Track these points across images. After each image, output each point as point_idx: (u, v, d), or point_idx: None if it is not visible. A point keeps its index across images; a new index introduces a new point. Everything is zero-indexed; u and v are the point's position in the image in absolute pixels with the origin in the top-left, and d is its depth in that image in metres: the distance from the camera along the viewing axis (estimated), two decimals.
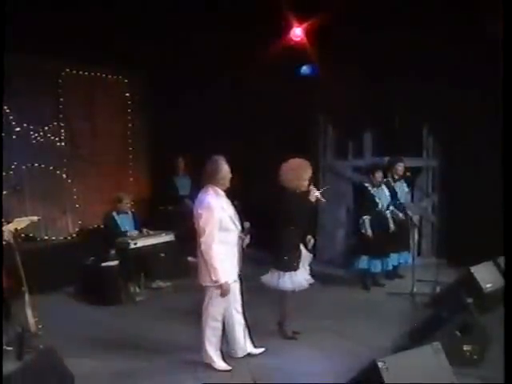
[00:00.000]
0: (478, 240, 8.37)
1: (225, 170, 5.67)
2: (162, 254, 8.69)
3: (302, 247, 6.42)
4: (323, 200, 6.47)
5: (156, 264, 8.61)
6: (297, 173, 6.32)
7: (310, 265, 6.56)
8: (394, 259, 8.83)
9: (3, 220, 6.12)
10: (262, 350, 6.04)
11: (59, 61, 9.82)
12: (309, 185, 6.37)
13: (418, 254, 9.30)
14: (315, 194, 6.33)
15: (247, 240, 5.79)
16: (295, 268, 6.32)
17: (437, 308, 6.46)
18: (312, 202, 6.36)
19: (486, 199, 8.58)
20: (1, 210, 6.04)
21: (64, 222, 9.99)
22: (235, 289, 5.77)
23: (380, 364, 4.02)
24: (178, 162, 10.58)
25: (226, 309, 5.77)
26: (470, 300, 5.77)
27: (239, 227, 5.73)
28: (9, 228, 5.84)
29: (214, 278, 5.48)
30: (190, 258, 9.00)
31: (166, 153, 10.64)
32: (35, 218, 6.25)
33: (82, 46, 9.17)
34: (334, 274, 9.17)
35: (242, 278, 5.85)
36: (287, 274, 6.30)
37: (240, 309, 5.87)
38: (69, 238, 10.01)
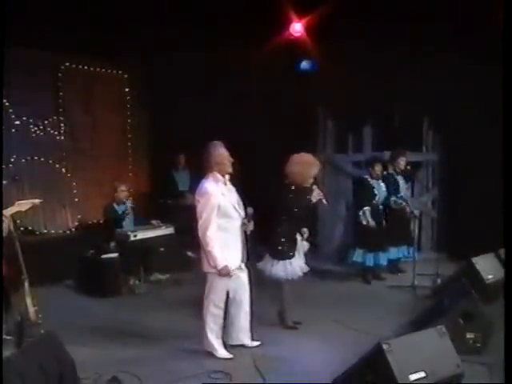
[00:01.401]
0: (479, 234, 8.37)
1: (220, 154, 5.62)
2: (162, 248, 8.68)
3: (298, 236, 6.41)
4: (325, 202, 6.45)
5: (155, 257, 8.59)
6: (303, 167, 6.30)
7: (305, 253, 6.54)
8: (392, 253, 8.81)
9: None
10: (257, 343, 5.96)
11: (59, 55, 9.80)
12: (313, 183, 6.36)
13: (419, 249, 9.27)
14: (318, 194, 6.31)
15: (251, 226, 5.75)
16: (290, 257, 6.31)
17: (439, 297, 6.44)
18: (312, 202, 6.33)
19: (486, 193, 8.59)
20: (1, 200, 5.96)
21: (63, 215, 9.96)
22: (242, 277, 5.76)
23: (385, 346, 3.98)
24: (177, 157, 10.54)
25: (233, 297, 5.75)
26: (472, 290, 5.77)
27: (242, 214, 5.70)
28: (10, 210, 5.79)
29: (211, 263, 5.46)
30: (189, 253, 9.00)
31: (165, 147, 10.61)
32: (37, 201, 6.15)
33: (82, 40, 9.14)
34: (333, 269, 9.18)
35: (249, 267, 5.85)
36: (281, 262, 6.28)
37: (247, 298, 5.84)
38: (68, 231, 9.98)
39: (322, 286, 8.11)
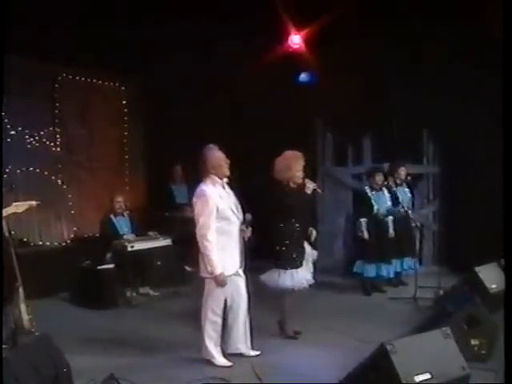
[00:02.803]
0: (480, 247, 8.26)
1: (216, 157, 5.57)
2: (159, 262, 8.59)
3: (306, 245, 6.32)
4: (320, 191, 6.44)
5: (152, 268, 8.50)
6: (288, 163, 6.25)
7: (314, 262, 6.46)
8: (396, 265, 8.69)
9: None
10: (257, 352, 5.84)
11: (56, 65, 9.73)
12: (304, 177, 6.30)
13: (420, 262, 9.16)
14: (311, 185, 6.27)
15: (249, 233, 5.68)
16: (298, 266, 6.21)
17: (443, 304, 6.34)
18: (308, 194, 6.27)
19: (487, 205, 8.52)
20: (1, 205, 5.87)
21: (59, 227, 9.81)
22: (240, 283, 5.67)
23: (389, 347, 3.89)
24: (175, 170, 10.46)
25: (230, 305, 5.64)
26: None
27: (241, 218, 5.62)
28: (7, 212, 5.72)
29: (208, 269, 5.37)
30: (186, 267, 8.89)
31: (163, 160, 10.53)
32: (34, 203, 6.06)
33: (80, 51, 9.13)
34: (334, 281, 9.06)
35: (247, 273, 5.74)
36: (288, 271, 6.16)
37: (245, 306, 5.73)
38: (63, 243, 9.82)
39: (322, 296, 7.99)
